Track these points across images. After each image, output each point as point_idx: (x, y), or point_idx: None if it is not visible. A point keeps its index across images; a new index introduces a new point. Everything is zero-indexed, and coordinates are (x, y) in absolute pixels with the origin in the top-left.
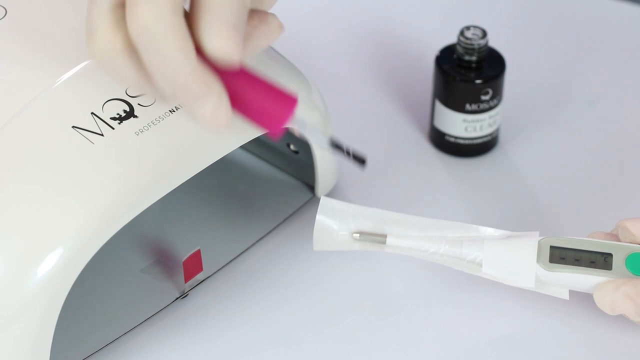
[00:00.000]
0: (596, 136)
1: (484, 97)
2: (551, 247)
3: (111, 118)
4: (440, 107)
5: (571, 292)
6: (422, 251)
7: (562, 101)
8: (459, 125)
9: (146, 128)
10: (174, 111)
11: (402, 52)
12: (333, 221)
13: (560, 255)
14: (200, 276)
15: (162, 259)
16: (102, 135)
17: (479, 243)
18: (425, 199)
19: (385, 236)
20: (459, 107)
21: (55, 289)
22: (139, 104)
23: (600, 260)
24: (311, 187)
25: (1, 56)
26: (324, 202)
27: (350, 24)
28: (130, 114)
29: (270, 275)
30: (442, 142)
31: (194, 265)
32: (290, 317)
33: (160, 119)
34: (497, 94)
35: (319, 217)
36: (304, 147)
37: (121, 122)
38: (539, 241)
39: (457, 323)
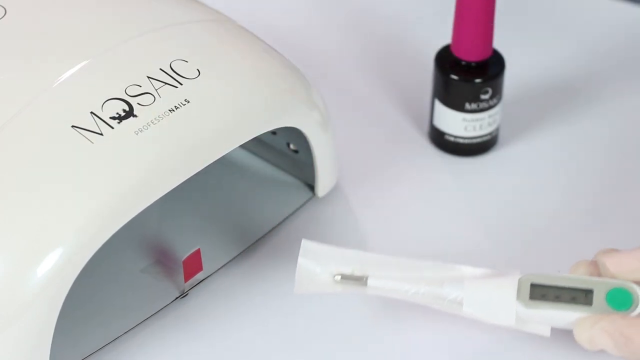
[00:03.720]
0: (596, 136)
1: (483, 97)
2: (532, 284)
3: (111, 117)
4: (439, 106)
5: (553, 330)
6: (403, 292)
7: (562, 101)
8: (459, 124)
9: (146, 127)
10: (173, 110)
11: (402, 51)
12: (314, 264)
13: (541, 293)
14: (200, 276)
15: (162, 259)
16: (101, 134)
17: (459, 282)
18: (425, 198)
19: (366, 278)
20: (458, 107)
21: (55, 289)
22: (138, 104)
23: (581, 297)
24: (311, 186)
25: (1, 55)
26: (305, 245)
27: (350, 24)
28: (129, 113)
29: (271, 275)
30: (442, 142)
31: (193, 264)
32: (290, 317)
33: (159, 119)
34: (496, 93)
35: (301, 260)
36: (303, 147)
37: (121, 121)
38: (519, 279)
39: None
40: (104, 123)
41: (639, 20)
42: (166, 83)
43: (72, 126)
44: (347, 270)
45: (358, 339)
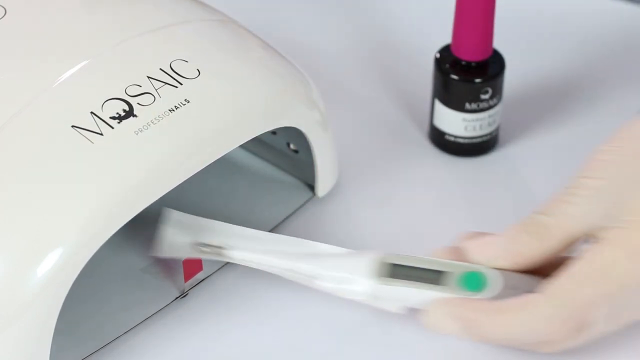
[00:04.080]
0: (596, 136)
1: (483, 97)
2: (388, 263)
3: (111, 117)
4: (439, 106)
5: None
6: (261, 264)
7: (562, 101)
8: (459, 124)
9: (146, 127)
10: (173, 110)
11: (402, 51)
12: (176, 231)
13: (397, 271)
14: (200, 275)
15: (162, 258)
16: (101, 134)
17: (317, 257)
18: (425, 198)
19: (224, 247)
20: (458, 106)
21: (55, 289)
22: (138, 104)
23: (435, 278)
24: (311, 186)
25: (1, 55)
26: (167, 214)
27: (350, 24)
28: (129, 113)
29: (271, 275)
30: (442, 141)
31: (193, 264)
32: (290, 316)
33: (159, 118)
34: (496, 93)
35: (163, 227)
36: (303, 147)
37: (121, 121)
38: (376, 257)
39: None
40: (104, 123)
41: (639, 20)
42: (166, 83)
43: (72, 126)
44: (207, 240)
45: (358, 339)
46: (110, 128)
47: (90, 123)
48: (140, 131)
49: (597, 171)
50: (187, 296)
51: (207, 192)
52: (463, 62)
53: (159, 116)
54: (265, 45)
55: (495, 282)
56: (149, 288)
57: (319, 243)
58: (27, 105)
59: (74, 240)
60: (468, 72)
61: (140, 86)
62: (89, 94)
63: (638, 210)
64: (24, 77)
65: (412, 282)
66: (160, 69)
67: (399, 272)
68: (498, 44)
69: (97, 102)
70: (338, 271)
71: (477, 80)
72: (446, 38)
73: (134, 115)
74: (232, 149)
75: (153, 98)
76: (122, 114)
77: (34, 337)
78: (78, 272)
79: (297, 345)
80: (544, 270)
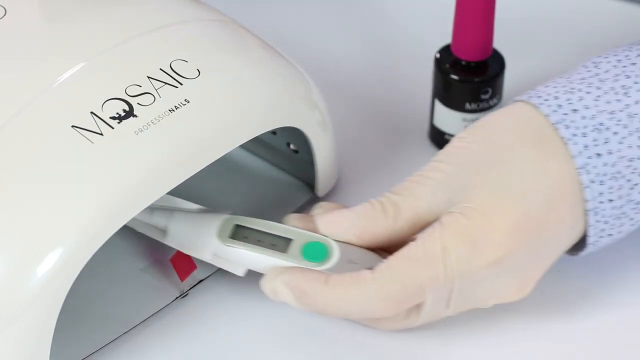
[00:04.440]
0: None
1: (483, 96)
2: (236, 225)
3: (111, 117)
4: (439, 106)
5: None
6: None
7: None
8: (459, 124)
9: (146, 127)
10: (173, 110)
11: (402, 51)
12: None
13: (243, 234)
14: (200, 275)
15: (162, 259)
16: (101, 134)
17: (169, 212)
18: None
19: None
20: (458, 106)
21: (55, 289)
22: (138, 104)
23: (280, 244)
24: (311, 186)
25: (1, 55)
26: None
27: (350, 24)
28: (129, 113)
29: None
30: (442, 141)
31: (184, 262)
32: (290, 317)
33: (159, 119)
34: (496, 93)
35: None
36: (304, 147)
37: (121, 121)
38: (225, 218)
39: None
40: (104, 123)
41: (639, 20)
42: (166, 83)
43: (72, 126)
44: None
45: (359, 340)
46: (111, 128)
47: (91, 123)
48: (141, 131)
49: (449, 157)
50: (187, 296)
51: (207, 192)
52: (463, 62)
53: (159, 116)
54: (266, 45)
55: (335, 255)
56: (149, 288)
57: (177, 198)
58: (27, 105)
59: (74, 241)
60: (468, 72)
61: (141, 86)
62: (89, 94)
63: (476, 198)
64: (24, 77)
65: (254, 246)
66: (161, 69)
67: (243, 234)
68: (498, 44)
69: (97, 102)
70: (186, 228)
71: (477, 80)
72: (446, 38)
73: (134, 116)
74: (232, 149)
75: (153, 98)
76: (122, 114)
77: (34, 337)
78: (78, 272)
79: (298, 346)
80: (395, 250)
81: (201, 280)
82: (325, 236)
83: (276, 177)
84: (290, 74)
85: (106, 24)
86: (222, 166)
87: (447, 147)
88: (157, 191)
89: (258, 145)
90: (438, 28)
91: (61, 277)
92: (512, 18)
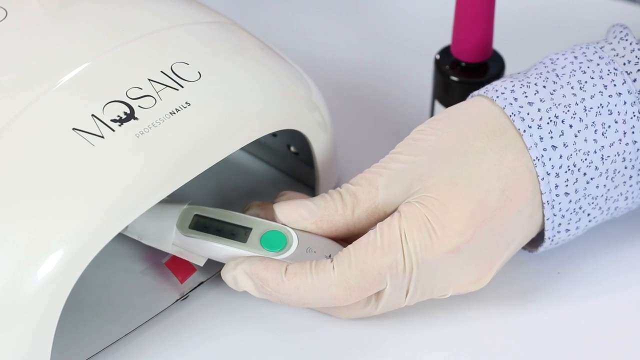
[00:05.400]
0: None
1: None
2: (196, 215)
3: (112, 120)
4: (439, 107)
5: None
6: None
7: None
8: None
9: (146, 130)
10: (174, 113)
11: (402, 51)
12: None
13: (203, 224)
14: (200, 278)
15: (162, 261)
16: (102, 137)
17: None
18: None
19: None
20: None
21: (56, 291)
22: (139, 106)
23: (239, 234)
24: (311, 188)
25: (2, 57)
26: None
27: (350, 25)
28: (130, 116)
29: None
30: None
31: (181, 265)
32: (291, 317)
33: (160, 121)
34: None
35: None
36: (304, 148)
37: (121, 124)
38: (185, 208)
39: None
40: (105, 125)
41: (639, 20)
42: (167, 86)
43: (73, 129)
44: None
45: (359, 340)
46: (111, 131)
47: (91, 126)
48: (142, 134)
49: (407, 148)
50: (187, 298)
51: (208, 195)
52: (463, 64)
53: (160, 119)
54: (266, 48)
55: (293, 243)
56: (149, 290)
57: None
58: (28, 108)
59: (75, 243)
60: (468, 74)
61: (141, 89)
62: (90, 96)
63: (434, 187)
64: (25, 80)
65: (213, 235)
66: (161, 71)
67: (203, 224)
68: (498, 44)
69: (98, 105)
70: (146, 219)
71: (477, 81)
72: (446, 39)
73: (135, 118)
74: (232, 151)
75: (154, 101)
76: (123, 116)
77: (34, 338)
78: (79, 274)
79: (298, 346)
80: (354, 240)
81: (201, 283)
82: (285, 225)
83: (277, 179)
84: (290, 76)
85: (107, 27)
86: (223, 168)
87: (406, 140)
88: (159, 194)
89: (259, 147)
90: (438, 29)
91: (62, 279)
92: (512, 18)
